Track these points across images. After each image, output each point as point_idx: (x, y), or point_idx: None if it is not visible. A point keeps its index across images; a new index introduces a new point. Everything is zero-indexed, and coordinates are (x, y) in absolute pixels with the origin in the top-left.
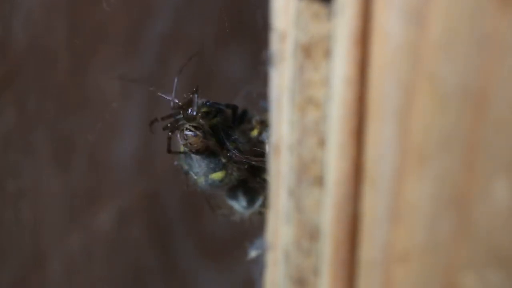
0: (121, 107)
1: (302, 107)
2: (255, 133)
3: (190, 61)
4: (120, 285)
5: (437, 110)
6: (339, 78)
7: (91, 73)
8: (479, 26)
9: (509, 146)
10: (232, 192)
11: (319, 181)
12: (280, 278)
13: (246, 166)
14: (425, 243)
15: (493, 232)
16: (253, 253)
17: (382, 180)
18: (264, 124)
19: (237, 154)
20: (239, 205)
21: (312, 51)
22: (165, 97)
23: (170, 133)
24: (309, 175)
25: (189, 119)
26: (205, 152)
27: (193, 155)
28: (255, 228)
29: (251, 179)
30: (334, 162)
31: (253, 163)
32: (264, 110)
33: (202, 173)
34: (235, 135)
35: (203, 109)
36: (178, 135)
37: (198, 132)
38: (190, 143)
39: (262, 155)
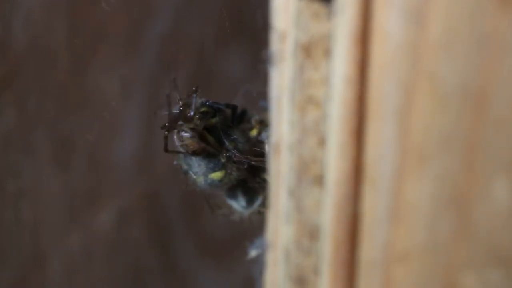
0: (121, 107)
1: (302, 107)
2: (254, 132)
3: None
4: (120, 285)
5: (437, 110)
6: (339, 78)
7: (91, 73)
8: (479, 26)
9: (509, 146)
10: (232, 191)
11: (319, 181)
12: (280, 278)
13: (245, 166)
14: (425, 243)
15: (493, 232)
16: (253, 253)
17: (382, 180)
18: (263, 124)
19: (237, 154)
20: (238, 204)
21: (312, 50)
22: (176, 94)
23: (166, 132)
24: (309, 175)
25: (187, 120)
26: (202, 153)
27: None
28: (255, 227)
29: (251, 179)
30: (334, 162)
31: (252, 162)
32: (264, 109)
33: (201, 172)
34: (234, 135)
35: (202, 109)
36: (175, 136)
37: (193, 134)
38: (186, 144)
39: (261, 154)
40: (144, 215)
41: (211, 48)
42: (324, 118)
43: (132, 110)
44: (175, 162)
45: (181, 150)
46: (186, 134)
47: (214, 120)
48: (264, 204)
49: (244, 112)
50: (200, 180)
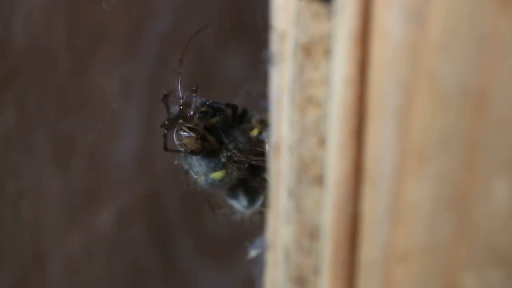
0: (121, 107)
1: (302, 107)
2: (255, 132)
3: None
4: (120, 285)
5: (437, 110)
6: (339, 78)
7: (91, 73)
8: (479, 26)
9: (509, 146)
10: (232, 191)
11: (319, 181)
12: (280, 278)
13: (246, 166)
14: (425, 243)
15: (493, 232)
16: (253, 253)
17: (382, 180)
18: (264, 124)
19: (237, 154)
20: (239, 204)
21: (312, 50)
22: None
23: (165, 131)
24: (309, 175)
25: (186, 119)
26: (201, 153)
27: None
28: (255, 227)
29: (251, 179)
30: (334, 162)
31: (253, 162)
32: (264, 109)
33: (202, 172)
34: (235, 135)
35: (202, 109)
36: (174, 135)
37: (192, 133)
38: (184, 144)
39: (262, 154)
40: (144, 215)
41: (211, 48)
42: (324, 118)
43: (132, 110)
44: (176, 162)
45: (180, 149)
46: (184, 134)
47: (214, 120)
48: (265, 204)
49: (244, 112)
50: (201, 179)
